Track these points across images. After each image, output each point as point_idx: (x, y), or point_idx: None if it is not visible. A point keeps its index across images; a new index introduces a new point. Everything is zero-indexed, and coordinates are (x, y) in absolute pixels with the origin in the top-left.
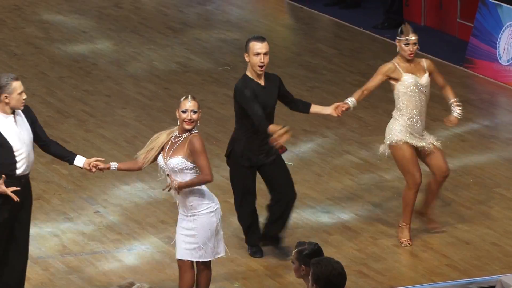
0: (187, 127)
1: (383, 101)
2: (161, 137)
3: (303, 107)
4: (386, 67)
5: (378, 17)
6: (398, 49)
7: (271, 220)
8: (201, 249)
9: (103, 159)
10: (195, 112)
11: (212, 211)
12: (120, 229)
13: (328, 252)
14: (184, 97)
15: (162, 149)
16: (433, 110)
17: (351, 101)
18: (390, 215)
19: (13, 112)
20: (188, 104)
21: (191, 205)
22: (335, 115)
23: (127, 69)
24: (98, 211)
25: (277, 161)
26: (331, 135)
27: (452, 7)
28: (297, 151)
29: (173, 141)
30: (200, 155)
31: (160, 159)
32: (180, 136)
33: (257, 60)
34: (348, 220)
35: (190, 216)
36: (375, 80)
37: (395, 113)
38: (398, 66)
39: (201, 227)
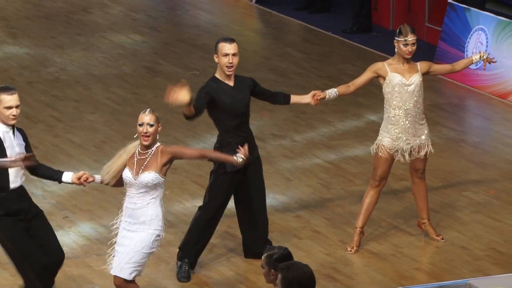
0: (144, 142)
1: (352, 105)
2: (123, 156)
3: (284, 99)
4: (376, 65)
5: (347, 21)
6: (396, 49)
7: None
8: (140, 266)
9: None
10: (151, 125)
11: (158, 237)
12: (89, 234)
13: (297, 256)
14: (143, 111)
15: (127, 165)
16: None
17: (331, 91)
18: None
19: (13, 127)
20: (145, 117)
21: (143, 220)
22: (313, 103)
23: (96, 74)
24: (67, 217)
25: (257, 161)
26: (300, 140)
27: (420, 11)
28: (266, 155)
29: (140, 157)
30: (181, 148)
31: (128, 175)
32: (145, 152)
33: (225, 60)
34: (318, 224)
35: (134, 231)
36: (364, 76)
37: (384, 113)
38: (386, 66)
39: (141, 244)
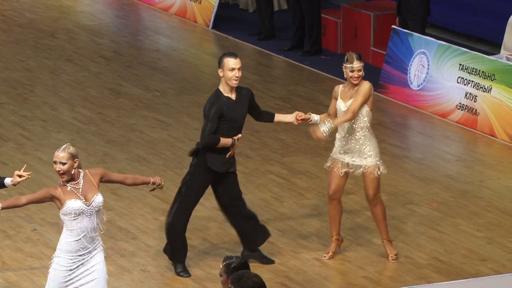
0: (61, 179)
1: (303, 124)
2: (57, 191)
3: (268, 117)
4: (334, 90)
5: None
6: (345, 75)
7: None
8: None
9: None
10: (64, 163)
11: (102, 249)
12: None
13: (252, 266)
14: (58, 148)
15: (58, 200)
16: None
17: (315, 116)
18: (310, 230)
19: None
20: (58, 155)
21: (94, 244)
22: (296, 123)
23: (63, 95)
24: (35, 229)
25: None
26: (254, 156)
27: (366, 36)
28: None
29: (75, 187)
30: (108, 171)
31: (79, 204)
32: (76, 181)
33: (232, 74)
34: (271, 235)
35: (92, 256)
36: (331, 103)
37: None
38: (339, 89)
39: (102, 262)
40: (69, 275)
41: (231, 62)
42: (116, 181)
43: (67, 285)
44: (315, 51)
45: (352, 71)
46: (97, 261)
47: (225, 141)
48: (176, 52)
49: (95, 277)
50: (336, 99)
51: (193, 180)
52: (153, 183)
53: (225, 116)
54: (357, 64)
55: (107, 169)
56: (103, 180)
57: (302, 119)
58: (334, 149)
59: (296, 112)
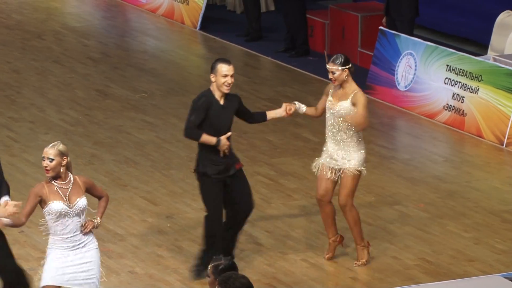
0: (46, 175)
1: (291, 125)
2: (43, 190)
3: (261, 117)
4: (327, 87)
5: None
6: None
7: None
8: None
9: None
10: (51, 160)
11: (97, 248)
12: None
13: (240, 267)
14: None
15: (43, 200)
16: None
17: (301, 105)
18: (297, 231)
19: None
20: (47, 151)
21: (83, 241)
22: (286, 116)
23: (50, 97)
24: (22, 231)
25: (238, 174)
26: (242, 157)
27: (353, 37)
28: None
29: (62, 187)
30: (95, 184)
31: (60, 205)
32: (64, 182)
33: (224, 81)
34: (259, 237)
35: (83, 252)
36: (321, 99)
37: None
38: (331, 89)
39: (96, 261)
40: (62, 267)
41: (225, 69)
42: (96, 196)
43: (64, 273)
44: (303, 52)
45: (328, 72)
46: (90, 259)
47: (208, 138)
48: (163, 54)
49: (89, 275)
50: (327, 96)
51: (203, 193)
52: (89, 224)
53: (210, 118)
54: (331, 67)
55: (95, 171)
56: (88, 191)
57: (291, 112)
58: (323, 153)
59: (285, 105)
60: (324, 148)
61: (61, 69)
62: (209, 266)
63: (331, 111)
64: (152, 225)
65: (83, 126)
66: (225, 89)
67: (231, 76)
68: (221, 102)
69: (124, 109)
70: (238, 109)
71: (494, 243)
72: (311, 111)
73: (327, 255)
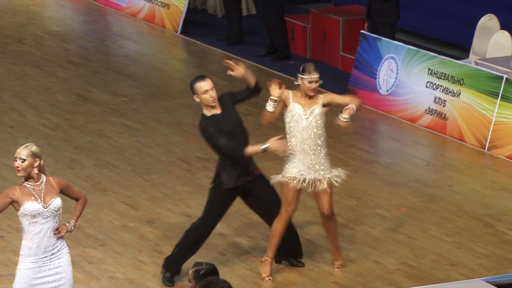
0: (18, 174)
1: (272, 129)
2: (15, 192)
3: (250, 92)
4: (284, 94)
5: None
6: (300, 86)
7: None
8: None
9: None
10: (23, 160)
11: (69, 252)
12: None
13: (222, 272)
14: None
15: (16, 202)
16: None
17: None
18: None
19: None
20: (19, 152)
21: (57, 245)
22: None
23: (30, 101)
24: (2, 236)
25: (259, 178)
26: None
27: (335, 41)
28: (191, 177)
29: (35, 188)
30: (71, 185)
31: (35, 205)
32: (36, 183)
33: (207, 96)
34: (240, 242)
35: (55, 258)
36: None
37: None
38: (291, 95)
39: (68, 266)
40: (34, 278)
41: (203, 85)
42: (73, 198)
43: (37, 283)
44: (284, 56)
45: (311, 82)
46: (62, 264)
47: (253, 149)
48: (144, 58)
49: (61, 282)
50: (286, 103)
51: (212, 201)
52: (63, 229)
53: (222, 131)
54: (315, 76)
55: (75, 176)
56: (63, 192)
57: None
58: (293, 165)
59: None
60: (295, 161)
61: (41, 74)
62: (190, 272)
63: (306, 122)
64: (132, 230)
65: (63, 131)
66: (212, 104)
67: (211, 89)
68: (218, 112)
69: (105, 114)
70: (234, 101)
71: (476, 247)
72: (272, 114)
73: (271, 277)
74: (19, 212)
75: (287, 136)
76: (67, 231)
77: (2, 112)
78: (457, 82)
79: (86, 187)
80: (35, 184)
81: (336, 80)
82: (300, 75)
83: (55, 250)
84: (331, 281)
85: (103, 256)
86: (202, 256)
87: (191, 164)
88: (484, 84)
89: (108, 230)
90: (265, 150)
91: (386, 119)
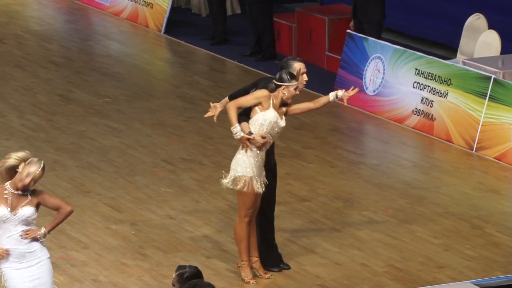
0: (27, 186)
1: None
2: None
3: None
4: (263, 93)
5: (246, 50)
6: (284, 92)
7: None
8: None
9: None
10: (36, 181)
11: (49, 257)
12: None
13: (206, 274)
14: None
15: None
16: (305, 138)
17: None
18: None
19: None
20: (37, 172)
21: (35, 251)
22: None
23: (11, 102)
24: None
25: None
26: (208, 163)
27: (320, 40)
28: (175, 179)
29: (13, 193)
30: (51, 196)
31: (3, 211)
32: (15, 189)
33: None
34: (225, 244)
35: (35, 264)
36: (249, 100)
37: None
38: (272, 99)
39: (48, 273)
40: (19, 280)
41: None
42: (51, 209)
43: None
44: (269, 56)
45: (296, 88)
46: (42, 260)
47: (243, 127)
48: (127, 58)
49: (42, 273)
50: (264, 105)
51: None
52: (31, 232)
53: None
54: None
55: (57, 177)
56: (42, 204)
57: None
58: (251, 166)
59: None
60: (253, 161)
61: (22, 74)
62: (173, 275)
63: (277, 129)
64: (116, 232)
65: (45, 132)
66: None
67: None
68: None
69: (87, 114)
70: None
71: (464, 250)
72: (224, 102)
73: (253, 280)
74: None
75: (251, 130)
76: (35, 236)
77: None
78: (445, 82)
79: (69, 188)
80: (14, 189)
81: (322, 80)
82: (284, 83)
83: (33, 258)
84: (317, 283)
85: (86, 259)
86: (186, 258)
87: (175, 166)
88: (472, 84)
89: (91, 232)
90: (248, 137)
91: (372, 119)
